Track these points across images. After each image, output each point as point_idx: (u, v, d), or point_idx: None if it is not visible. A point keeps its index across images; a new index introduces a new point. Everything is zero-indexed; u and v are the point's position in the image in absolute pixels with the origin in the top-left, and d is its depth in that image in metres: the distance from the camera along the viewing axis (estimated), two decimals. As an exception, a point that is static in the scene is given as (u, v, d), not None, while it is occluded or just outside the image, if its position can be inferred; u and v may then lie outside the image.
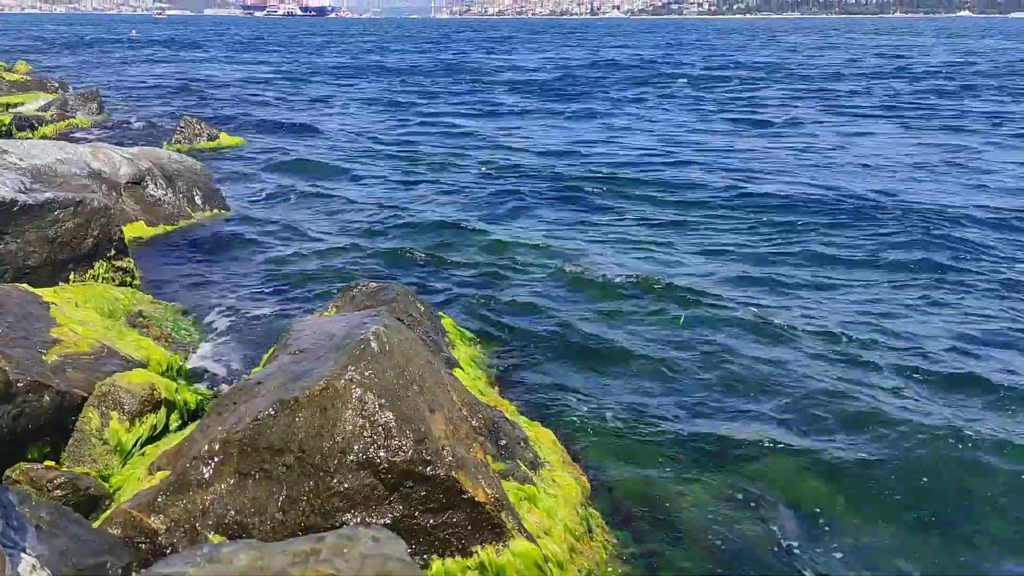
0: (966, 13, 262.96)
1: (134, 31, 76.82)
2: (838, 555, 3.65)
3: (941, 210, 9.63)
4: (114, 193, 7.23)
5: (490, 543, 3.04)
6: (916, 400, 4.99)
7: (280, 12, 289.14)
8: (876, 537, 3.77)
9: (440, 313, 5.29)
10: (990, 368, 5.42)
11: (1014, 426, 4.69)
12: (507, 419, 3.99)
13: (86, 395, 3.87)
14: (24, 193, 5.42)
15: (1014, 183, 11.51)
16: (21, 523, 2.11)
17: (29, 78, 19.52)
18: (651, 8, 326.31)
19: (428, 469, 2.99)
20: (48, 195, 5.56)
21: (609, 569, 3.40)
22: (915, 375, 5.32)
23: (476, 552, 3.02)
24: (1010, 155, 13.89)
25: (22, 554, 1.99)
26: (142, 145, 10.32)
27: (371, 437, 3.00)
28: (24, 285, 4.84)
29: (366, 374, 3.11)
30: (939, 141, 15.46)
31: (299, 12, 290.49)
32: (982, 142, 15.33)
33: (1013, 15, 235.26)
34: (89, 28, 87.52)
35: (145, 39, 60.91)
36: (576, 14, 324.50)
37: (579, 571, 3.26)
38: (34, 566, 1.95)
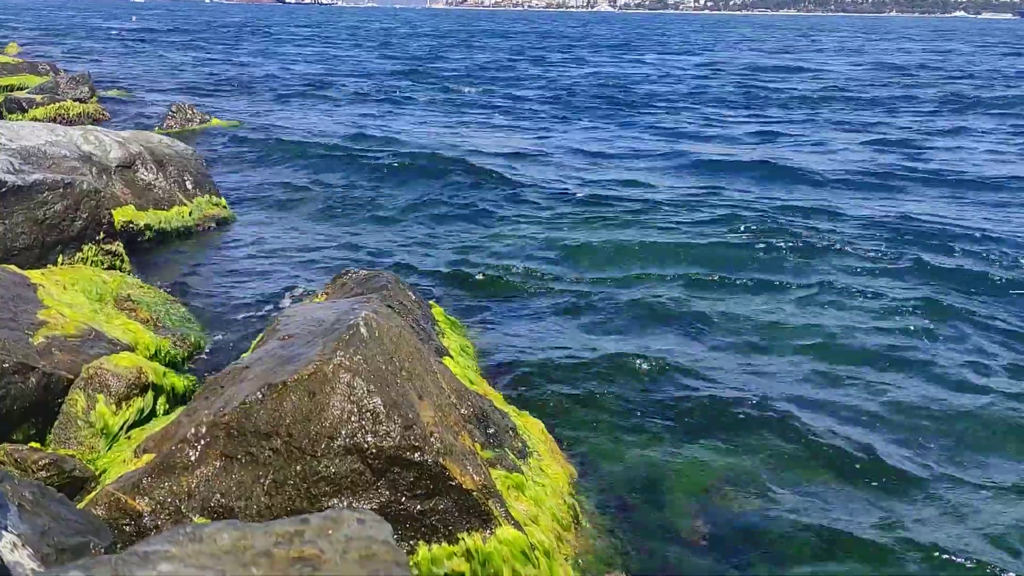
0: (960, 14, 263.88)
1: (134, 18, 76.03)
2: (832, 550, 3.65)
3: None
4: (104, 176, 7.17)
5: (477, 530, 3.03)
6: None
7: None
8: (874, 534, 3.76)
9: (431, 301, 5.27)
10: None
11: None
12: (496, 407, 3.98)
13: (72, 377, 3.84)
14: (13, 174, 5.37)
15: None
16: (3, 501, 2.09)
17: (20, 60, 19.24)
18: (647, 3, 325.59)
19: (416, 455, 2.99)
20: (37, 176, 5.50)
21: (596, 557, 3.41)
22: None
23: (462, 539, 3.02)
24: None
25: (3, 532, 1.97)
26: (134, 129, 10.24)
27: (359, 422, 2.99)
28: (12, 266, 4.80)
29: (355, 359, 3.09)
30: None
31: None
32: None
33: (983, 15, 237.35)
34: (82, 15, 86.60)
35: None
36: (574, 7, 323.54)
37: (566, 559, 3.26)
38: (15, 544, 1.94)
